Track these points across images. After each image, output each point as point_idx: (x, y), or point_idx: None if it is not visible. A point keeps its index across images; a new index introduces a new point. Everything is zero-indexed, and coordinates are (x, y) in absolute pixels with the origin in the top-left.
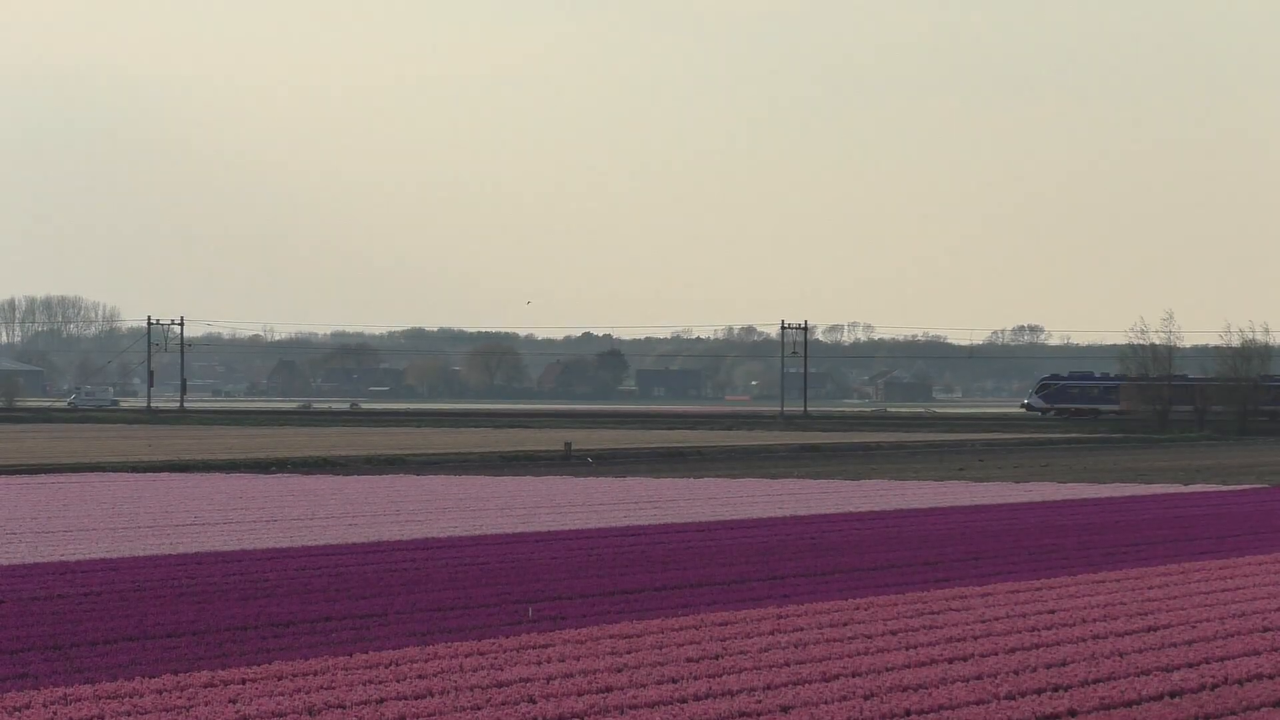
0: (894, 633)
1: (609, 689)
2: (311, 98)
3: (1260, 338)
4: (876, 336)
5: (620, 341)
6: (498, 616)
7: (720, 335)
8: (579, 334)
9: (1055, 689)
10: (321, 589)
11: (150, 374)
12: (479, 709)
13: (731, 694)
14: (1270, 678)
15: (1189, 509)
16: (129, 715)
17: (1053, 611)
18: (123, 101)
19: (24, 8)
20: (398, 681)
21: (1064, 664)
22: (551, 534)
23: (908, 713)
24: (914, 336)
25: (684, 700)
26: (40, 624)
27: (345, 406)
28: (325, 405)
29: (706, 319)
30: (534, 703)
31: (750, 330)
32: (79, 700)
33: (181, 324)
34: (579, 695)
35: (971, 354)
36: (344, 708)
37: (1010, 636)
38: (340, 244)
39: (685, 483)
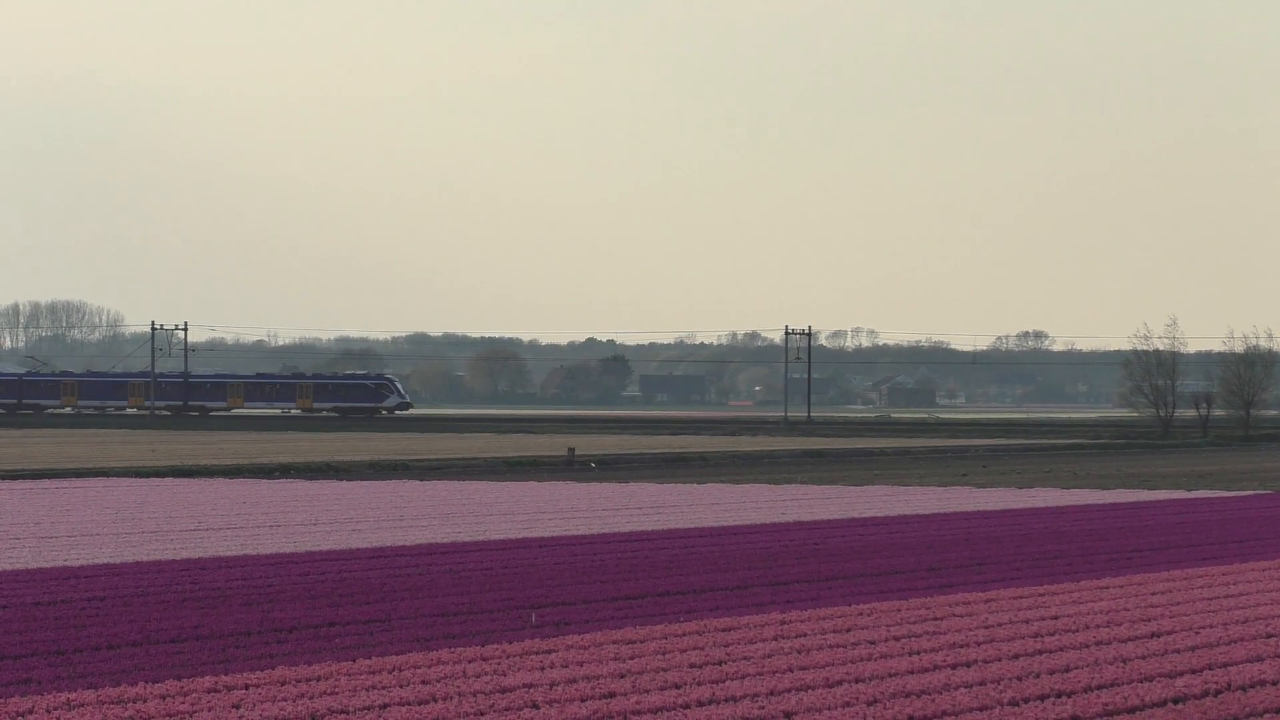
0: (897, 639)
1: (612, 695)
2: (315, 104)
3: (1264, 343)
4: (880, 342)
5: (624, 347)
6: (501, 622)
7: (724, 340)
8: (582, 339)
9: (1059, 695)
10: (325, 594)
11: (154, 379)
12: (482, 715)
13: (735, 700)
14: (1274, 684)
15: (1192, 515)
16: None
17: (1056, 618)
18: (126, 107)
19: (27, 15)
20: (401, 687)
21: (1067, 670)
22: (555, 539)
23: (911, 718)
24: (918, 342)
25: (687, 706)
26: (44, 629)
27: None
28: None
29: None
30: (537, 708)
31: (754, 335)
32: (82, 705)
33: (185, 329)
34: (582, 701)
35: (975, 360)
36: (347, 713)
37: (1013, 643)
38: (344, 249)
39: (688, 488)
